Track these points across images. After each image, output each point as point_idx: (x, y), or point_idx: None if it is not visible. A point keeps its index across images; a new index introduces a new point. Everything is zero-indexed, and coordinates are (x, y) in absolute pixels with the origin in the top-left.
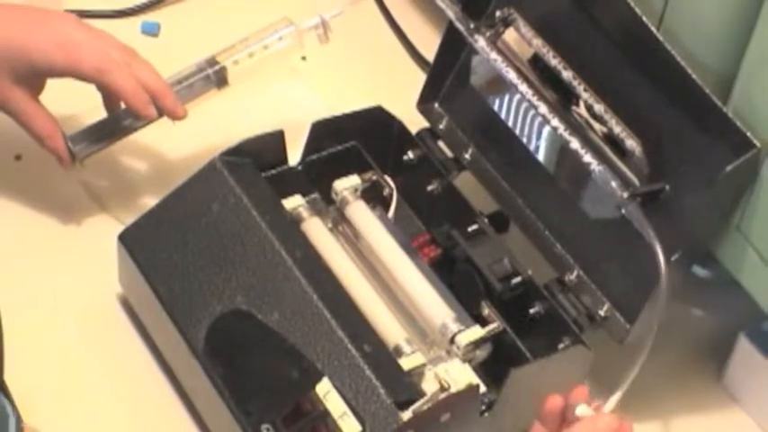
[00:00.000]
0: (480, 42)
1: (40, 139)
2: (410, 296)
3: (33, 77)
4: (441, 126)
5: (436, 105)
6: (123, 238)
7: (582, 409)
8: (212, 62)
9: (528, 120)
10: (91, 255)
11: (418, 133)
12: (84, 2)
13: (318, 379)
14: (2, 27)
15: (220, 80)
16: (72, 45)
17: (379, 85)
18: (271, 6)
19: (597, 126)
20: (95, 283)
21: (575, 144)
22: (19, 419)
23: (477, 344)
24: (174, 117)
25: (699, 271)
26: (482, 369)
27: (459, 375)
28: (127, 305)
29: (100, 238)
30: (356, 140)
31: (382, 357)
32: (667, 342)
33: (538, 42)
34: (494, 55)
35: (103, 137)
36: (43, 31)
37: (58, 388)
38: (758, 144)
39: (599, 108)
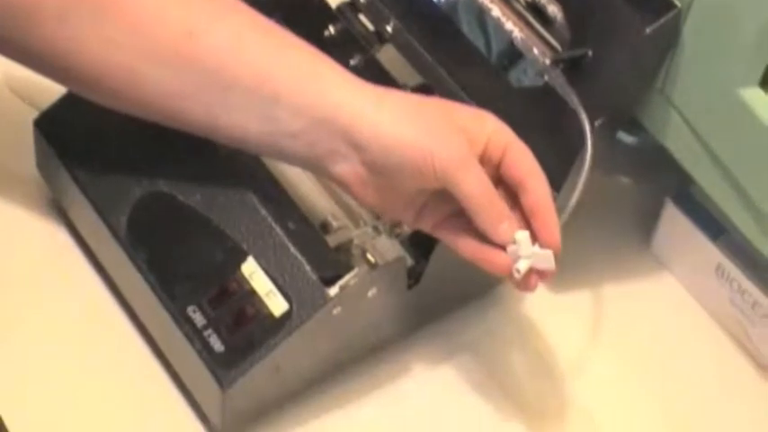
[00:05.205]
0: None
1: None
2: None
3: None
4: None
5: None
6: (39, 123)
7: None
8: None
9: None
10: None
11: (338, 7)
12: None
13: (243, 259)
14: None
15: None
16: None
17: None
18: None
19: None
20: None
21: (496, 12)
22: None
23: None
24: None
25: (625, 138)
26: (410, 243)
27: (386, 250)
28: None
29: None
30: (275, 16)
31: (307, 234)
32: (596, 211)
33: None
34: None
35: None
36: None
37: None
38: (678, 4)
39: None
